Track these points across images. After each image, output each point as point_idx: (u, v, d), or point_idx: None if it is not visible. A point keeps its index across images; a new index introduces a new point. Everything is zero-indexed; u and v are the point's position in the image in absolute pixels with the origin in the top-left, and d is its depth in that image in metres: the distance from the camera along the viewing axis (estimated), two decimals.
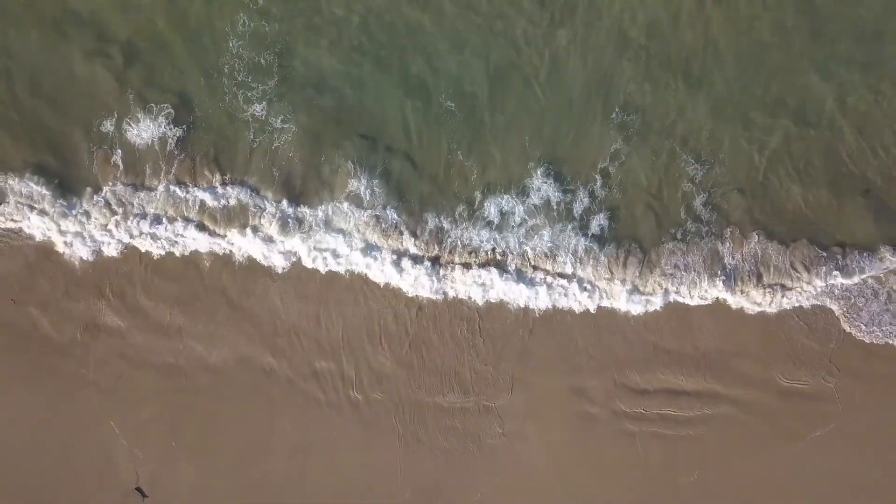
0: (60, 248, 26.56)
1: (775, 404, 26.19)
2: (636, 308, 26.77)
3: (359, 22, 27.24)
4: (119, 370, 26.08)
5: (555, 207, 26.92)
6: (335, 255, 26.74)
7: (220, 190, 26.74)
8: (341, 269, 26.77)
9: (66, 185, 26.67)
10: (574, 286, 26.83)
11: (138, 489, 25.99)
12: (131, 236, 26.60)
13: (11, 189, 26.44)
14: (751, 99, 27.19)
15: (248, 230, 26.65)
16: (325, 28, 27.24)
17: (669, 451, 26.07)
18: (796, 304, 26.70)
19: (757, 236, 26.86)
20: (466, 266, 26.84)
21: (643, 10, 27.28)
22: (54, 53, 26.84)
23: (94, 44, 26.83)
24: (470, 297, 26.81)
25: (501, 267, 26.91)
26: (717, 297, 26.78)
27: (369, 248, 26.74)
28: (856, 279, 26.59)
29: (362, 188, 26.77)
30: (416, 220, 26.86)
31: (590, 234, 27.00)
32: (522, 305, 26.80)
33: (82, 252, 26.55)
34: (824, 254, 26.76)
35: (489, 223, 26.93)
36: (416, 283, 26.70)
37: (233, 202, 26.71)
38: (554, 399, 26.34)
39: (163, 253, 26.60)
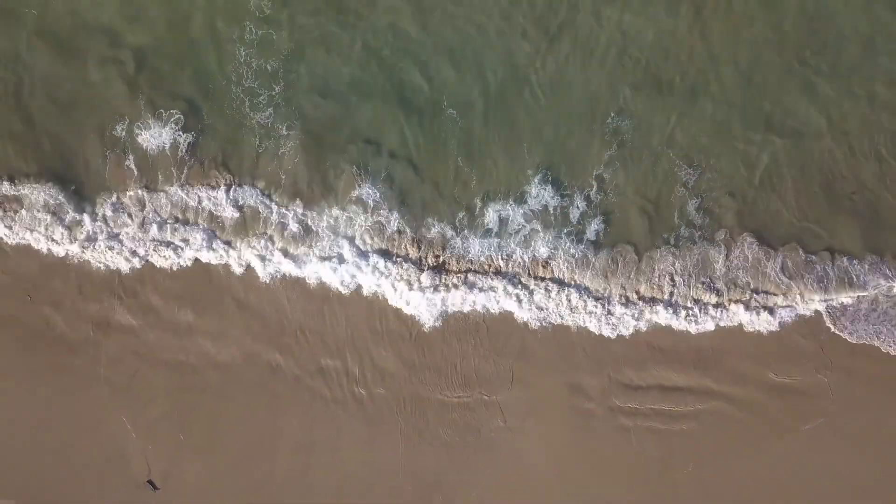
0: (74, 252, 26.99)
1: (766, 399, 26.33)
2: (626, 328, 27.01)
3: (362, 33, 27.47)
4: (132, 368, 26.50)
5: (552, 212, 27.06)
6: (341, 259, 26.90)
7: (228, 195, 27.00)
8: (343, 289, 26.99)
9: (81, 191, 27.11)
10: (572, 298, 27.00)
11: (150, 481, 26.31)
12: (143, 243, 27.00)
13: (27, 195, 26.90)
14: (742, 107, 27.34)
15: (256, 241, 26.97)
16: (330, 37, 27.47)
17: (663, 445, 26.21)
18: (790, 319, 26.96)
19: (747, 239, 26.98)
20: (468, 280, 26.96)
21: (639, 26, 27.51)
22: (67, 60, 27.21)
23: (107, 50, 27.20)
24: (473, 307, 27.06)
25: (501, 276, 27.04)
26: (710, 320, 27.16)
27: (372, 261, 26.95)
28: (853, 295, 26.86)
29: (366, 194, 26.95)
30: (419, 226, 27.05)
31: (585, 238, 27.14)
32: (524, 320, 27.03)
33: (96, 257, 26.95)
34: (814, 258, 26.92)
35: (488, 230, 27.07)
36: (419, 308, 26.93)
37: (242, 207, 26.99)
38: (551, 395, 26.50)
39: (174, 259, 26.98)
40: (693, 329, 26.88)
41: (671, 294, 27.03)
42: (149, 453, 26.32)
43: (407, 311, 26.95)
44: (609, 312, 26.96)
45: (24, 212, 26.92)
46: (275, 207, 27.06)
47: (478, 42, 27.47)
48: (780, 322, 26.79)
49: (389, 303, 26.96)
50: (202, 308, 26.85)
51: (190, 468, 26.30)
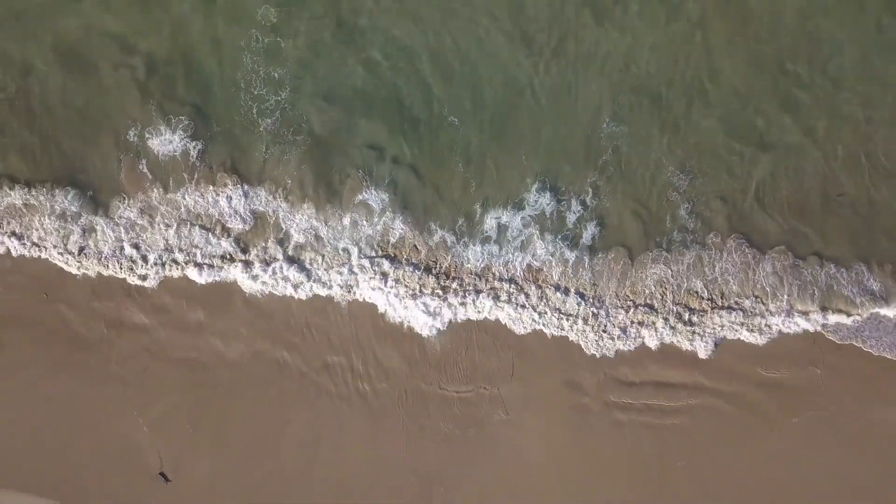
0: (90, 255, 27.27)
1: (756, 395, 26.59)
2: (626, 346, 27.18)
3: (367, 40, 27.66)
4: (143, 364, 26.80)
5: (549, 216, 27.25)
6: (349, 267, 27.05)
7: (236, 201, 27.18)
8: (350, 296, 27.17)
9: (97, 198, 27.36)
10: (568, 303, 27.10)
11: (162, 473, 26.56)
12: (155, 250, 27.31)
13: (42, 201, 27.14)
14: (734, 114, 27.57)
15: (263, 246, 27.22)
16: (334, 44, 27.68)
17: (657, 439, 26.44)
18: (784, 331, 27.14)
19: (735, 241, 27.16)
20: (468, 287, 27.10)
21: (634, 41, 27.75)
22: (80, 68, 27.42)
23: (119, 56, 27.38)
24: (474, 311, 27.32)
25: (501, 281, 27.19)
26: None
27: (378, 268, 27.14)
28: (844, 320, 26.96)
29: (371, 198, 27.18)
30: (422, 231, 27.21)
31: (581, 244, 27.31)
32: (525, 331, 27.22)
33: (112, 263, 27.25)
34: (801, 263, 27.08)
35: (487, 237, 27.24)
36: (421, 315, 27.16)
37: (250, 212, 27.18)
38: (549, 391, 26.74)
39: (185, 265, 27.25)
40: (687, 346, 27.05)
41: (665, 317, 27.15)
42: (160, 446, 26.54)
43: (410, 316, 27.19)
44: (605, 329, 27.12)
45: (38, 218, 27.20)
46: (282, 212, 27.24)
47: (477, 53, 27.64)
48: (769, 338, 27.08)
49: (395, 310, 27.20)
50: (212, 307, 27.13)
51: (200, 461, 26.54)
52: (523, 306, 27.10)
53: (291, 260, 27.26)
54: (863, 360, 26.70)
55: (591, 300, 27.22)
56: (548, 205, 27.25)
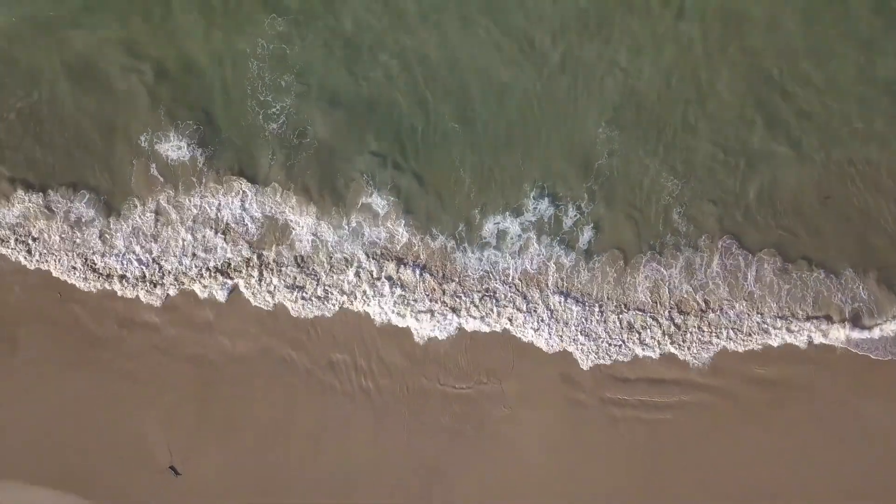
0: (102, 260, 27.71)
1: (749, 391, 26.61)
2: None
3: (370, 48, 28.09)
4: (154, 361, 27.09)
5: (546, 221, 27.46)
6: (355, 271, 27.24)
7: (244, 205, 27.51)
8: (356, 305, 27.29)
9: (110, 203, 27.80)
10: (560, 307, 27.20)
11: (172, 467, 26.81)
12: (166, 257, 27.64)
13: (56, 206, 27.64)
14: (726, 119, 27.89)
15: (270, 251, 27.43)
16: (338, 51, 28.13)
17: (651, 434, 26.49)
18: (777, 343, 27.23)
19: (725, 241, 27.31)
20: (468, 292, 27.19)
21: (631, 48, 28.14)
22: (91, 74, 27.97)
23: (128, 61, 27.88)
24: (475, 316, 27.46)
25: (500, 285, 27.36)
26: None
27: (383, 272, 27.35)
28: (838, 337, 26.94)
29: (375, 202, 27.49)
30: (424, 236, 27.43)
31: (578, 247, 27.45)
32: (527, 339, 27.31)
33: (121, 267, 27.64)
34: (790, 266, 27.20)
35: (486, 243, 27.45)
36: (424, 322, 27.36)
37: (257, 217, 27.48)
38: (546, 387, 26.93)
39: (196, 270, 27.55)
40: (681, 356, 27.21)
41: (662, 329, 27.31)
42: (170, 441, 26.76)
43: (412, 324, 27.45)
44: (598, 337, 27.30)
45: (51, 223, 27.62)
46: (288, 217, 27.54)
47: (478, 62, 28.05)
48: (763, 344, 27.21)
49: (397, 315, 27.47)
50: (220, 306, 27.43)
51: (208, 455, 26.67)
52: (525, 311, 27.36)
53: (297, 264, 27.51)
54: (853, 357, 26.80)
55: (587, 305, 27.44)
56: (546, 209, 27.49)
